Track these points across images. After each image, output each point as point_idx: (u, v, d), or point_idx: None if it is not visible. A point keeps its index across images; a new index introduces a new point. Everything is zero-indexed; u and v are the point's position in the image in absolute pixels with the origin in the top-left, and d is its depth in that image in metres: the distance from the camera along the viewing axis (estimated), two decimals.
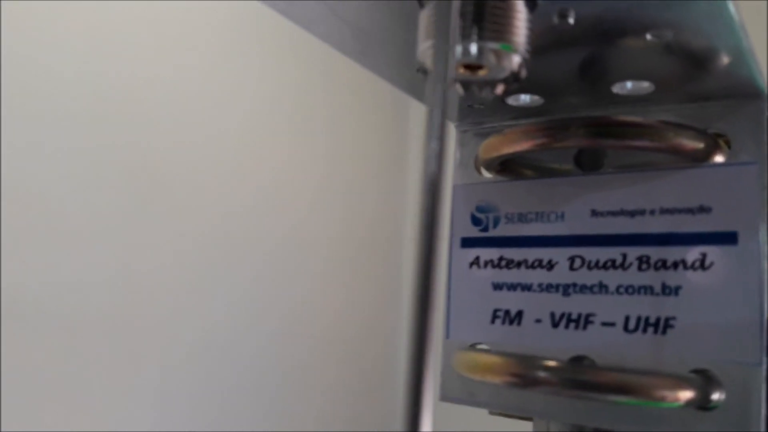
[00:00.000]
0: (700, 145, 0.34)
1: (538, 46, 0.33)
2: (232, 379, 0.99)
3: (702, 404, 0.31)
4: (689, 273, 0.33)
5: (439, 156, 0.19)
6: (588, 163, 0.38)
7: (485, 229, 0.39)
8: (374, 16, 0.29)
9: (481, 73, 0.27)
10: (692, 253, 0.33)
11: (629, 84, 0.34)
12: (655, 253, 0.34)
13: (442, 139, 0.20)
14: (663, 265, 0.34)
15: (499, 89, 0.28)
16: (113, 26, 0.85)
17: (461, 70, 0.27)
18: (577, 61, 0.34)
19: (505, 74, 0.27)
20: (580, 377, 0.30)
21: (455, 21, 0.26)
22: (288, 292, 1.09)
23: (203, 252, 0.95)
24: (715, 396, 0.31)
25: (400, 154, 1.28)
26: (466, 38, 0.26)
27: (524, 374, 0.31)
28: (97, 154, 0.81)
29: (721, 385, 0.31)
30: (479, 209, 0.40)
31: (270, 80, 1.08)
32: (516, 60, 0.27)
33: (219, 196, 0.97)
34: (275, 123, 1.09)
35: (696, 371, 0.32)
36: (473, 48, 0.25)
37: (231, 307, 0.99)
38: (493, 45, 0.26)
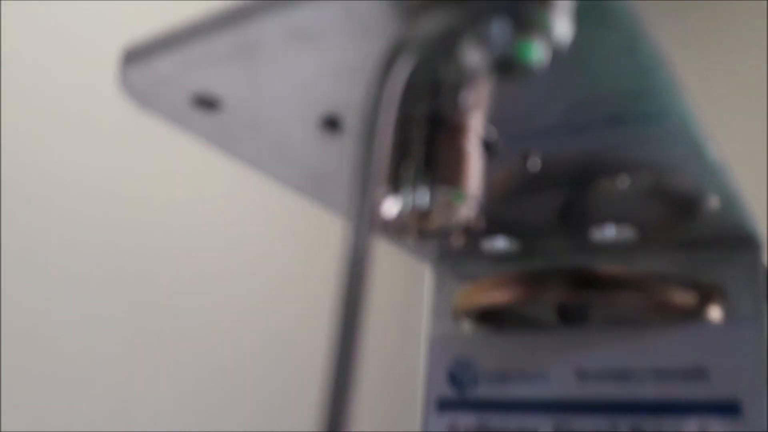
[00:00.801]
0: (692, 300, 0.31)
1: (510, 189, 0.32)
2: None
3: None
4: None
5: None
6: (572, 314, 0.35)
7: (462, 388, 0.36)
8: (323, 156, 0.28)
9: (432, 223, 0.25)
10: (691, 424, 0.29)
11: (611, 229, 0.32)
12: (650, 424, 0.30)
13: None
14: None
15: (455, 239, 0.26)
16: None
17: (411, 220, 0.25)
18: (553, 205, 0.32)
19: (457, 225, 0.25)
20: None
21: (407, 167, 0.24)
22: None
23: (207, 396, 0.91)
24: None
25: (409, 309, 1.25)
26: (415, 185, 0.24)
27: None
28: (102, 286, 0.79)
29: None
30: (457, 365, 0.36)
31: (276, 229, 1.08)
32: (467, 211, 0.25)
33: (228, 334, 0.94)
34: (286, 267, 1.08)
35: None
36: (421, 198, 0.23)
37: None
38: (443, 194, 0.24)
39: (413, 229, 0.25)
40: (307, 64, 0.22)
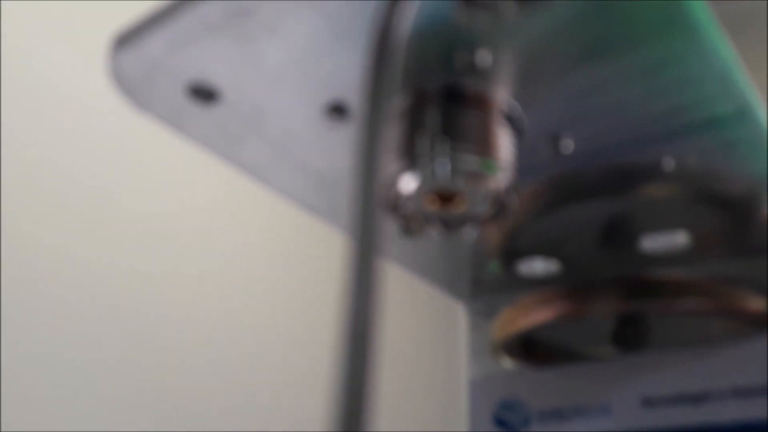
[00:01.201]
0: (764, 306, 0.27)
1: (549, 202, 0.29)
2: None
3: None
4: None
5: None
6: (629, 340, 0.31)
7: (512, 430, 0.32)
8: (330, 154, 0.25)
9: (456, 205, 0.22)
10: None
11: (661, 238, 0.29)
12: None
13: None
14: None
15: (484, 225, 0.23)
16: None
17: (429, 204, 0.22)
18: (597, 216, 0.29)
19: (486, 206, 0.22)
20: None
21: (425, 139, 0.21)
22: None
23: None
24: None
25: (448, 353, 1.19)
26: (432, 156, 0.21)
27: None
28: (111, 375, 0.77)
29: None
30: (504, 407, 0.32)
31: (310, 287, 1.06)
32: (497, 183, 0.22)
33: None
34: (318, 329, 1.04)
35: None
36: (442, 168, 0.21)
37: None
38: (469, 164, 0.21)
39: (435, 217, 0.23)
40: (305, 32, 0.20)
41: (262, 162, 0.26)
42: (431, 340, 1.12)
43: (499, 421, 0.32)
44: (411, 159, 0.21)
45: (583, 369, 0.31)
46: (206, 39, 0.20)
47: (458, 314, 0.34)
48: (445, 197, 0.22)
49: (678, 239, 0.29)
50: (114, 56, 0.21)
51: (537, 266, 0.32)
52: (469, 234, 0.24)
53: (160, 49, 0.21)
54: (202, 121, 0.24)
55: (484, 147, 0.22)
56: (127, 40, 0.21)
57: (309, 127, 0.24)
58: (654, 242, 0.29)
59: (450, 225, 0.23)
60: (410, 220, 0.23)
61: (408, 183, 0.21)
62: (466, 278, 0.35)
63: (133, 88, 0.22)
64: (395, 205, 0.22)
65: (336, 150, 0.25)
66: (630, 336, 0.31)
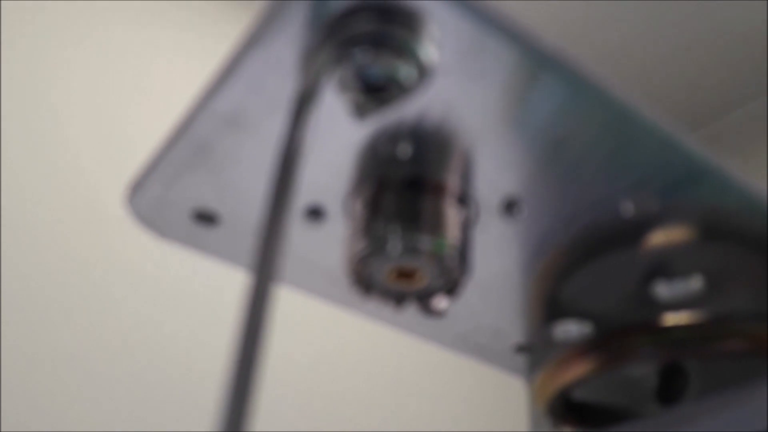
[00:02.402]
0: None
1: (566, 265, 0.30)
2: None
3: None
4: None
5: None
6: (672, 393, 0.30)
7: None
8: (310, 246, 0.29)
9: (416, 282, 0.25)
10: None
11: (679, 284, 0.29)
12: None
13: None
14: None
15: (441, 303, 0.26)
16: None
17: (393, 282, 0.25)
18: (616, 270, 0.30)
19: (441, 279, 0.25)
20: None
21: (383, 224, 0.24)
22: None
23: None
24: None
25: None
26: (392, 234, 0.24)
27: None
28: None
29: None
30: None
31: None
32: (449, 261, 0.24)
33: None
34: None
35: None
36: (393, 247, 0.24)
37: None
38: (424, 244, 0.24)
39: (394, 292, 0.25)
40: (259, 153, 0.25)
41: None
42: (495, 413, 1.06)
43: None
44: (373, 241, 0.24)
45: (629, 428, 0.31)
46: (187, 174, 0.26)
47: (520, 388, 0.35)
48: (406, 274, 0.25)
49: (694, 284, 0.29)
50: (130, 202, 0.27)
51: (571, 329, 0.33)
52: (440, 308, 0.26)
53: (159, 188, 0.26)
54: (214, 240, 0.29)
55: (435, 227, 0.25)
56: (135, 186, 0.27)
57: (295, 231, 0.28)
58: (674, 289, 0.30)
59: (403, 299, 0.26)
60: (369, 293, 0.25)
61: (372, 262, 0.24)
62: (520, 354, 0.37)
63: (151, 223, 0.28)
64: (367, 284, 0.25)
65: (325, 247, 0.28)
66: (672, 389, 0.30)
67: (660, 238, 0.28)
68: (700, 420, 0.28)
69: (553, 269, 0.31)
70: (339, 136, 0.24)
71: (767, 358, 0.27)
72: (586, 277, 0.31)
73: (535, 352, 0.35)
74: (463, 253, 0.25)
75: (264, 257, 0.20)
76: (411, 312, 0.34)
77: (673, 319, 0.27)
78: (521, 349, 0.36)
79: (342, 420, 0.97)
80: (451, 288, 0.25)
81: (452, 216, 0.25)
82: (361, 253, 0.24)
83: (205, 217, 0.28)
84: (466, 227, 0.26)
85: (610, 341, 0.28)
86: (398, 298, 0.26)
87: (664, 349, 0.28)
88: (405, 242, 0.24)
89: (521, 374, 0.37)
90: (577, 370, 0.29)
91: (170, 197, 0.27)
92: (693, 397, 0.30)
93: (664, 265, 0.29)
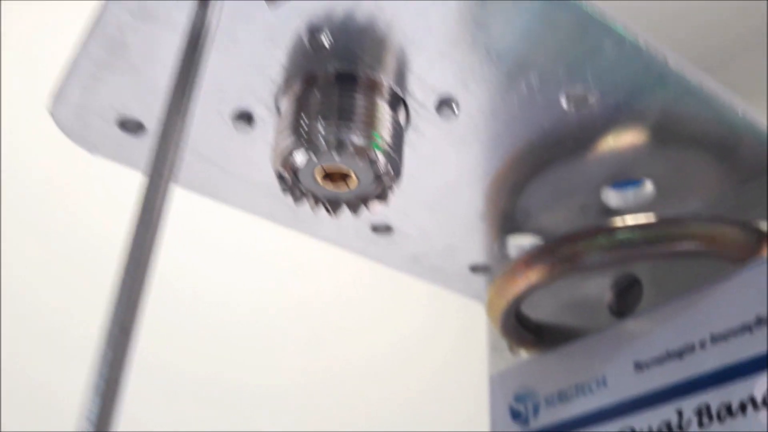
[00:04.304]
0: (745, 237, 0.26)
1: (516, 182, 0.30)
2: None
3: None
4: (762, 414, 0.23)
5: None
6: (620, 306, 0.30)
7: (525, 422, 0.32)
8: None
9: (348, 183, 0.24)
10: (760, 385, 0.23)
11: (625, 189, 0.29)
12: (715, 397, 0.25)
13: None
14: (728, 411, 0.24)
15: (375, 208, 0.25)
16: None
17: (321, 180, 0.24)
18: (566, 178, 0.29)
19: (374, 183, 0.24)
20: None
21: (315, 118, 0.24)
22: None
23: None
24: None
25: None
26: (322, 126, 0.23)
27: None
28: None
29: None
30: (517, 398, 0.32)
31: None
32: (383, 161, 0.24)
33: None
34: None
35: None
36: (326, 143, 0.23)
37: None
38: (357, 136, 0.23)
39: (326, 197, 0.25)
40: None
41: (202, 178, 0.29)
42: (455, 338, 1.07)
43: (515, 414, 0.32)
44: (300, 136, 0.24)
45: (582, 345, 0.31)
46: (106, 77, 0.25)
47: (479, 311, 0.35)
48: (337, 176, 0.24)
49: (645, 189, 0.29)
50: (52, 111, 0.27)
51: (525, 244, 0.32)
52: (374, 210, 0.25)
53: (79, 94, 0.26)
54: (143, 150, 0.28)
55: (366, 123, 0.24)
56: (56, 93, 0.26)
57: (224, 138, 0.27)
58: (625, 195, 0.29)
59: (348, 205, 0.25)
60: (307, 197, 0.25)
61: (299, 158, 0.24)
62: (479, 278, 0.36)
63: (78, 137, 0.28)
64: (299, 188, 0.25)
65: (260, 157, 0.28)
66: (625, 301, 0.30)
67: (610, 143, 0.28)
68: (654, 330, 0.28)
69: (503, 182, 0.30)
70: (258, 25, 0.23)
71: (719, 259, 0.26)
72: (536, 188, 0.30)
73: (492, 272, 0.35)
74: (396, 154, 0.24)
75: (161, 156, 0.19)
76: (362, 235, 0.34)
77: (623, 221, 0.27)
78: (476, 269, 0.35)
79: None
80: (384, 193, 0.25)
81: (384, 114, 0.25)
82: (289, 148, 0.24)
83: (131, 126, 0.27)
84: (399, 128, 0.25)
85: (559, 247, 0.28)
86: (331, 204, 0.25)
87: (614, 252, 0.27)
88: (335, 135, 0.24)
89: (479, 297, 0.37)
90: (526, 280, 0.29)
91: (93, 105, 0.26)
92: (646, 308, 0.29)
93: (615, 171, 0.29)
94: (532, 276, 0.29)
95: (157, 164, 0.19)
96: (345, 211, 0.26)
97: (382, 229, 0.33)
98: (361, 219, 0.32)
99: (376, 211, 0.26)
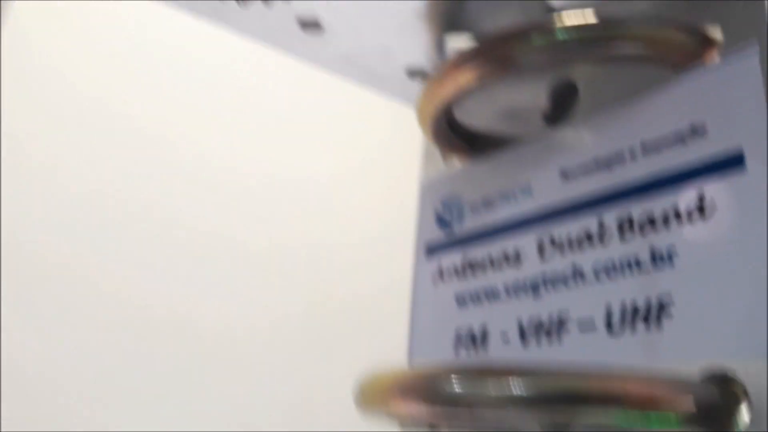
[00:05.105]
0: (684, 43, 0.24)
1: None
2: None
3: (720, 426, 0.20)
4: (685, 228, 0.23)
5: None
6: (555, 113, 0.29)
7: (450, 229, 0.31)
8: None
9: None
10: (687, 197, 0.23)
11: None
12: (639, 209, 0.24)
13: None
14: (651, 224, 0.24)
15: None
16: None
17: None
18: None
19: None
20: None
21: None
22: None
23: None
24: (740, 410, 0.20)
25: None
26: None
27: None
28: None
29: (747, 393, 0.20)
30: (444, 206, 0.32)
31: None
32: None
33: None
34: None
35: (709, 377, 0.21)
36: None
37: None
38: None
39: None
40: None
41: None
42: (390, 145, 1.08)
43: (440, 221, 0.32)
44: None
45: (512, 153, 0.30)
46: None
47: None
48: None
49: None
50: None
51: (464, 45, 0.30)
52: None
53: None
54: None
55: None
56: None
57: None
58: None
59: None
60: None
61: None
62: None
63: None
64: None
65: None
66: (556, 108, 0.29)
67: None
68: (584, 138, 0.27)
69: None
70: None
71: (661, 65, 0.25)
72: None
73: (427, 77, 0.33)
74: None
75: None
76: (291, 32, 0.31)
77: (560, 20, 0.25)
78: (413, 73, 0.33)
79: None
80: None
81: None
82: None
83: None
84: None
85: (491, 48, 0.26)
86: None
87: (548, 53, 0.25)
88: None
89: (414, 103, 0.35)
90: (455, 82, 0.27)
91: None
92: (582, 115, 0.28)
93: None
94: (461, 78, 0.27)
95: None
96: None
97: (311, 26, 0.31)
98: (287, 14, 0.30)
99: None
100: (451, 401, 0.19)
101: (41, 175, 0.85)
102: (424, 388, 0.19)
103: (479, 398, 0.18)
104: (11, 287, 0.79)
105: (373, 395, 0.20)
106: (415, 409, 0.19)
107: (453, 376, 0.19)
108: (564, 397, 0.18)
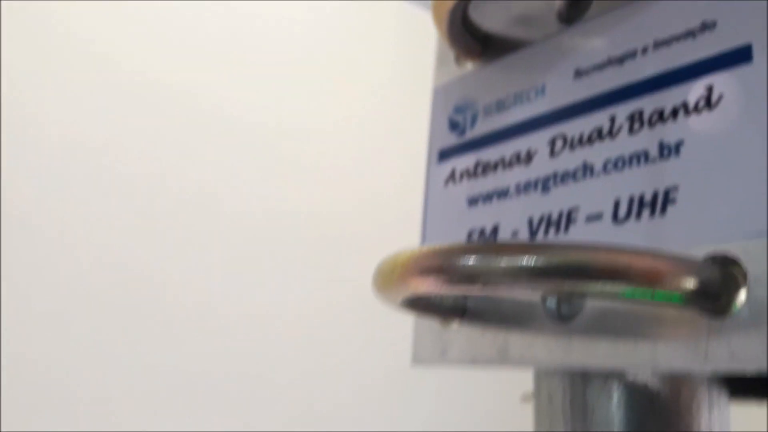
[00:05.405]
0: None
1: None
2: None
3: (719, 307, 0.21)
4: (692, 120, 0.23)
5: None
6: (570, 12, 0.29)
7: (462, 132, 0.32)
8: None
9: None
10: (695, 90, 0.23)
11: None
12: (649, 103, 0.25)
13: None
14: (660, 117, 0.24)
15: None
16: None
17: None
18: None
19: None
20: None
21: None
22: None
23: None
24: (739, 292, 0.21)
25: None
26: None
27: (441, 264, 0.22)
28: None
29: (746, 276, 0.21)
30: (457, 110, 0.33)
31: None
32: None
33: None
34: None
35: (710, 259, 0.22)
36: None
37: None
38: None
39: None
40: None
41: None
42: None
43: (453, 125, 0.33)
44: None
45: (526, 54, 0.30)
46: None
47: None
48: None
49: None
50: None
51: None
52: None
53: None
54: None
55: None
56: None
57: None
58: None
59: None
60: None
61: None
62: None
63: None
64: None
65: None
66: (570, 7, 0.29)
67: None
68: (598, 37, 0.27)
69: None
70: None
71: None
72: None
73: None
74: None
75: None
76: None
77: None
78: None
79: None
80: None
81: None
82: None
83: None
84: None
85: None
86: None
87: None
88: None
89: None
90: None
91: None
92: (597, 14, 0.28)
93: None
94: None
95: None
96: None
97: None
98: None
99: None
100: (467, 274, 0.20)
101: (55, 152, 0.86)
102: (440, 262, 0.20)
103: (493, 270, 0.19)
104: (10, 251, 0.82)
105: (392, 272, 0.21)
106: (432, 283, 0.20)
107: (468, 250, 0.20)
108: (573, 269, 0.19)
